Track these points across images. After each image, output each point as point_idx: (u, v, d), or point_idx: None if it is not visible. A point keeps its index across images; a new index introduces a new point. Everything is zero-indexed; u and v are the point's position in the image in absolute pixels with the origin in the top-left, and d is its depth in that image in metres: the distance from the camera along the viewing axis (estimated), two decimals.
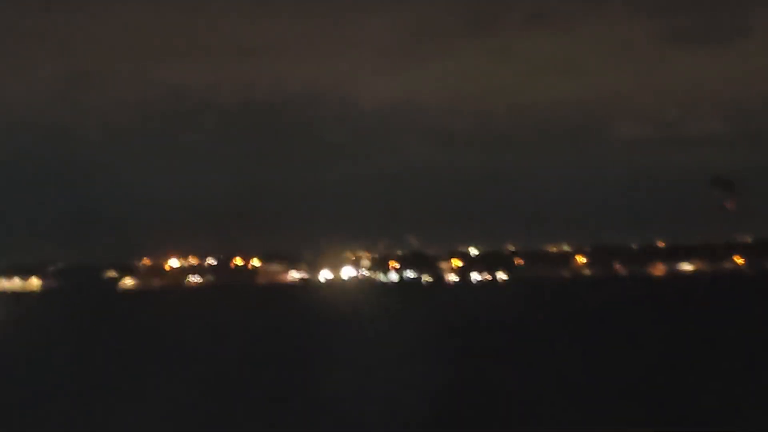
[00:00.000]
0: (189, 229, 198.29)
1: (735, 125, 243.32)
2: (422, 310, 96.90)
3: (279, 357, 50.95)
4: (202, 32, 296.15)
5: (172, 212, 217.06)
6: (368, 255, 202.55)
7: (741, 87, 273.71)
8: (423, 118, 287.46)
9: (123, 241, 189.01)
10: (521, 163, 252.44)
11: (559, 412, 30.95)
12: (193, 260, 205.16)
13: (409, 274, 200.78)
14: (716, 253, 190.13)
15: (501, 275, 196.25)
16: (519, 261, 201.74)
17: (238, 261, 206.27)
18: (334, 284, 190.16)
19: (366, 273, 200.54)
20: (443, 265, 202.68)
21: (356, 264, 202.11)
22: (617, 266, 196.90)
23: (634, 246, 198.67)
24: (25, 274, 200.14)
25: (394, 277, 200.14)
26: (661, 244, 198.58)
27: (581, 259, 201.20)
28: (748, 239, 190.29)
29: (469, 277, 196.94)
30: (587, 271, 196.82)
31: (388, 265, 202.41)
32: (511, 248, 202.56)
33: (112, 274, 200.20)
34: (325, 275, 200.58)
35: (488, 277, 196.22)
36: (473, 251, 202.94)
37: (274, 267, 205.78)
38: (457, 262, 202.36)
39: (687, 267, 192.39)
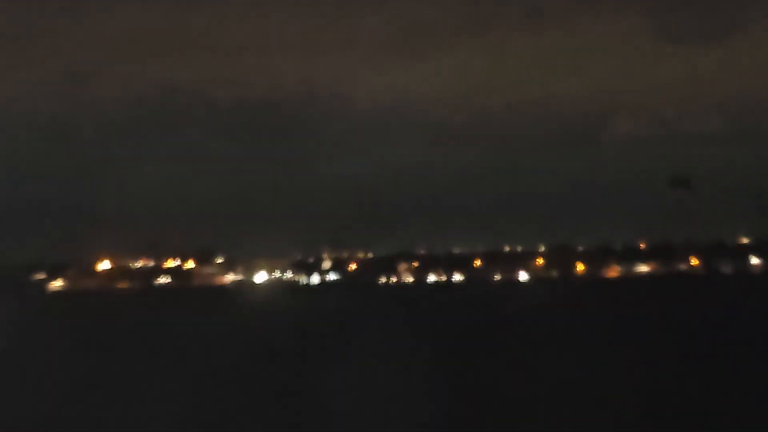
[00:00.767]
0: (153, 228, 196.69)
1: (731, 123, 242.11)
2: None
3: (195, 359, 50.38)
4: (196, 30, 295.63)
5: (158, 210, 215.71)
6: (295, 257, 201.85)
7: (737, 84, 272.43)
8: (418, 115, 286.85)
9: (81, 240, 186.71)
10: (517, 160, 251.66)
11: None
12: (126, 261, 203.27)
13: (332, 276, 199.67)
14: (673, 254, 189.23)
15: (457, 276, 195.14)
16: (477, 262, 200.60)
17: (170, 263, 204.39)
18: (258, 287, 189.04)
19: (289, 275, 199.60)
20: (401, 266, 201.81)
21: (287, 266, 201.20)
22: (576, 267, 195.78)
23: (586, 247, 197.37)
24: None
25: (315, 279, 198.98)
26: (642, 245, 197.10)
27: (540, 261, 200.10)
28: (705, 239, 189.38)
29: (426, 278, 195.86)
30: (544, 273, 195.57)
31: (320, 266, 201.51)
32: (473, 249, 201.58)
33: (41, 275, 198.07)
34: (260, 277, 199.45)
35: (443, 278, 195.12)
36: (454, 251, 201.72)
37: (209, 269, 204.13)
38: (414, 263, 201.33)
39: (643, 268, 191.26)
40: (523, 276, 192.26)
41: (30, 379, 43.88)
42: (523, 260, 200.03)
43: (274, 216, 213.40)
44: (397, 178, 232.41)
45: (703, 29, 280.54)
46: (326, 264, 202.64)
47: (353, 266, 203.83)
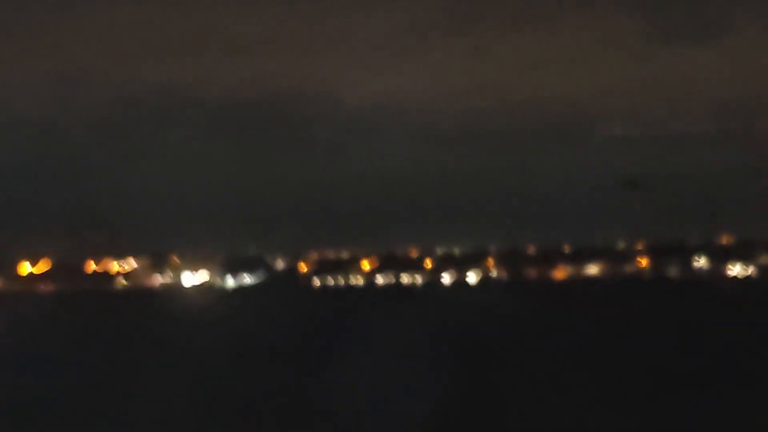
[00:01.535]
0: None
1: (722, 123, 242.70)
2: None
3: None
4: (189, 29, 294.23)
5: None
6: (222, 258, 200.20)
7: (728, 85, 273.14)
8: (409, 116, 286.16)
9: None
10: (508, 160, 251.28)
11: None
12: (46, 264, 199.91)
13: (248, 279, 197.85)
14: (622, 256, 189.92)
15: (405, 279, 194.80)
16: (428, 263, 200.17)
17: (93, 265, 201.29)
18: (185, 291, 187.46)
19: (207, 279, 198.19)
20: (354, 267, 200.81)
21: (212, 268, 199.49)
22: (528, 270, 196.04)
23: (540, 248, 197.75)
24: None
25: (230, 282, 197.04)
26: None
27: (491, 262, 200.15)
28: (654, 241, 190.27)
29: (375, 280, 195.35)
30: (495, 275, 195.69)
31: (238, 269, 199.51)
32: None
33: None
34: (189, 280, 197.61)
35: (392, 280, 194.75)
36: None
37: (139, 270, 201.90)
38: (366, 264, 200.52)
39: (592, 270, 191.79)
40: (472, 278, 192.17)
41: None
42: (475, 262, 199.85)
43: (242, 217, 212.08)
44: (380, 179, 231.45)
45: (694, 29, 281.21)
46: (263, 265, 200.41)
47: (304, 268, 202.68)
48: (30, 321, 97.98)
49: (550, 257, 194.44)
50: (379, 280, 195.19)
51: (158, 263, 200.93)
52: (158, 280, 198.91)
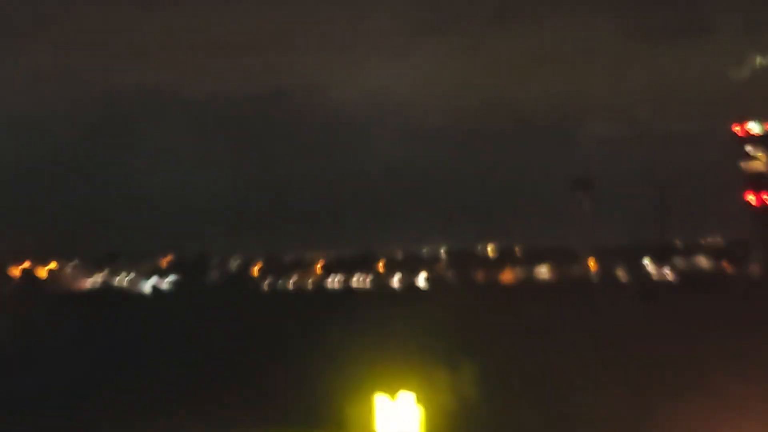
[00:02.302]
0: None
1: (701, 122, 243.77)
2: None
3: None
4: (170, 27, 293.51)
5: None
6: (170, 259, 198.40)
7: (707, 83, 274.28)
8: (393, 115, 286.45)
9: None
10: (492, 158, 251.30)
11: None
12: None
13: (167, 283, 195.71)
14: (572, 258, 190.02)
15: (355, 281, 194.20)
16: (381, 266, 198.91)
17: (23, 267, 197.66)
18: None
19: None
20: (307, 270, 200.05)
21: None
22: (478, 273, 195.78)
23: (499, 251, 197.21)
24: None
25: (147, 286, 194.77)
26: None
27: (441, 264, 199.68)
28: (606, 243, 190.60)
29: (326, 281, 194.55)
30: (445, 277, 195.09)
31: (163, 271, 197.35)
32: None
33: None
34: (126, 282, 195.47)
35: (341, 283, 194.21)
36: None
37: (70, 272, 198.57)
38: (319, 267, 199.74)
39: (542, 272, 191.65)
40: (421, 281, 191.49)
41: None
42: (428, 264, 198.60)
43: (211, 217, 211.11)
44: (365, 178, 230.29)
45: (674, 29, 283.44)
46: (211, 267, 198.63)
47: (255, 271, 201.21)
48: None
49: (501, 260, 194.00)
50: (329, 283, 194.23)
51: (97, 265, 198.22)
52: (91, 282, 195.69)
